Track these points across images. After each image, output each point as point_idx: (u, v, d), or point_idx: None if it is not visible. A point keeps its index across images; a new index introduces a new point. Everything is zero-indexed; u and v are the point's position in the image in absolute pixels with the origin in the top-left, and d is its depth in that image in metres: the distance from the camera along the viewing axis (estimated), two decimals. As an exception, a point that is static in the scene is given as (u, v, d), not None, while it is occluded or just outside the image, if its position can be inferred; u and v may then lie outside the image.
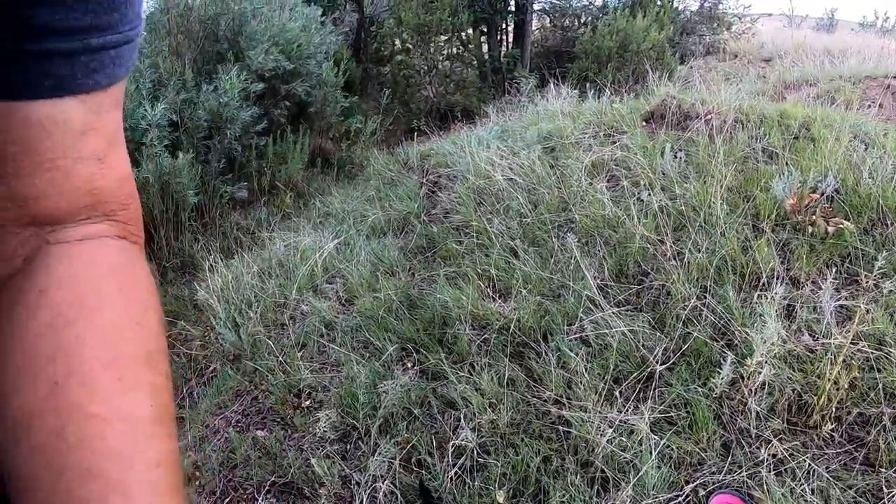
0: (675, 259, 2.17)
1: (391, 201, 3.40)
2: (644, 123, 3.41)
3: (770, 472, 1.49)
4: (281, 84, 4.57)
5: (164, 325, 0.51)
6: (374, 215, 3.27)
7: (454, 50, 7.41)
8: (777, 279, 1.99)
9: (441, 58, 7.05)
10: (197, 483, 1.79)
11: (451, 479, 1.64)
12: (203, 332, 2.59)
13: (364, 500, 1.66)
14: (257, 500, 1.71)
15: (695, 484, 1.50)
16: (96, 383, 0.43)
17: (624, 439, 1.62)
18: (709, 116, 3.18)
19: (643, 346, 1.86)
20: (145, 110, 3.36)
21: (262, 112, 4.27)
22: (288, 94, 4.68)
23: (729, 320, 1.89)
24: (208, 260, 2.96)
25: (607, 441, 1.61)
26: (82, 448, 0.41)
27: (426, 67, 6.62)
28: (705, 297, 1.99)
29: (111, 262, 0.49)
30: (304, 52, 4.70)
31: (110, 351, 0.45)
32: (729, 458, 1.54)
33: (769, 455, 1.53)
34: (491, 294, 2.27)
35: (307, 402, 2.02)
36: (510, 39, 7.99)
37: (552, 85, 4.83)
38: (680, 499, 1.48)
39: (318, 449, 1.82)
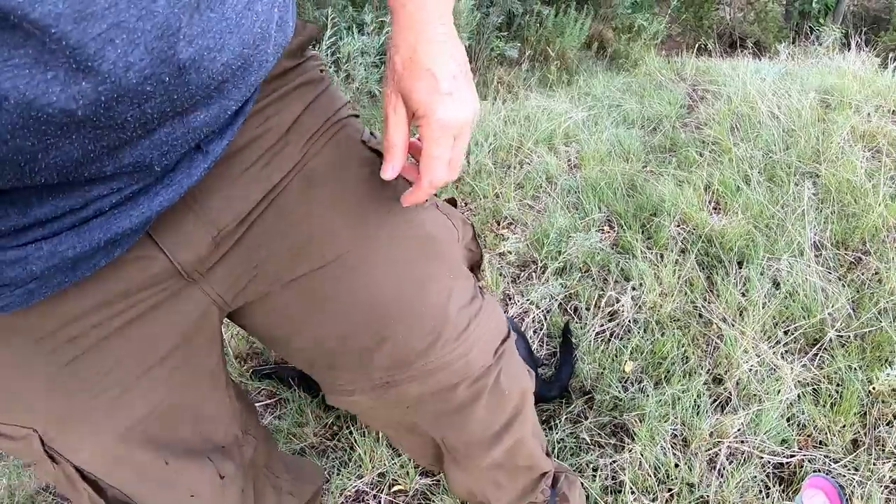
0: (904, 250, 2.08)
1: (652, 100, 3.42)
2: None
3: (883, 491, 1.43)
4: (576, -41, 4.56)
5: None
6: (631, 107, 3.33)
7: (766, -23, 6.87)
8: None
9: (751, -18, 6.59)
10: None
11: (595, 334, 1.79)
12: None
13: (514, 314, 1.88)
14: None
15: (804, 456, 1.50)
16: None
17: (764, 375, 1.66)
18: None
19: (829, 312, 1.86)
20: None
21: (552, -19, 4.33)
22: (581, -29, 4.68)
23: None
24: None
25: (748, 368, 1.66)
26: None
27: (732, -13, 6.23)
28: (914, 299, 1.92)
29: None
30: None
31: None
32: (851, 456, 1.50)
33: (891, 478, 1.46)
34: (708, 205, 2.32)
35: (505, 230, 2.25)
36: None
37: (854, 46, 4.43)
38: (784, 459, 1.50)
39: (497, 266, 2.06)
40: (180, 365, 0.72)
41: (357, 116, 0.82)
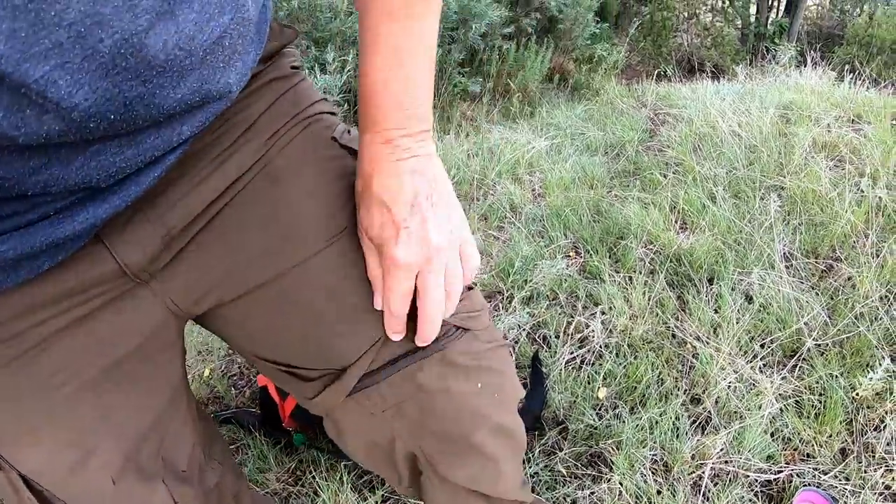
0: (873, 257, 2.05)
1: (614, 127, 3.42)
2: (894, 121, 3.13)
3: (877, 499, 1.39)
4: (537, -6, 4.63)
5: None
6: (593, 134, 3.32)
7: (719, 3, 7.01)
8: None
9: (704, 8, 6.71)
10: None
11: (565, 362, 1.73)
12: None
13: None
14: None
15: (792, 471, 1.45)
16: None
17: (743, 391, 1.61)
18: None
19: (805, 322, 1.81)
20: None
21: (511, 17, 4.37)
22: (541, 6, 4.74)
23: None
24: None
25: (727, 385, 1.60)
26: None
27: (686, 14, 6.35)
28: (889, 302, 1.88)
29: None
30: (569, -33, 4.71)
31: None
32: (840, 466, 1.44)
33: (884, 484, 1.41)
34: (674, 225, 2.29)
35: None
36: (782, 7, 7.39)
37: (810, 62, 4.50)
38: (770, 476, 1.44)
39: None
40: (135, 372, 0.68)
41: (333, 113, 0.77)
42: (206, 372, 1.86)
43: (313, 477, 1.47)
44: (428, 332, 0.70)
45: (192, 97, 0.53)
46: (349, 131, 0.77)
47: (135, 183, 0.56)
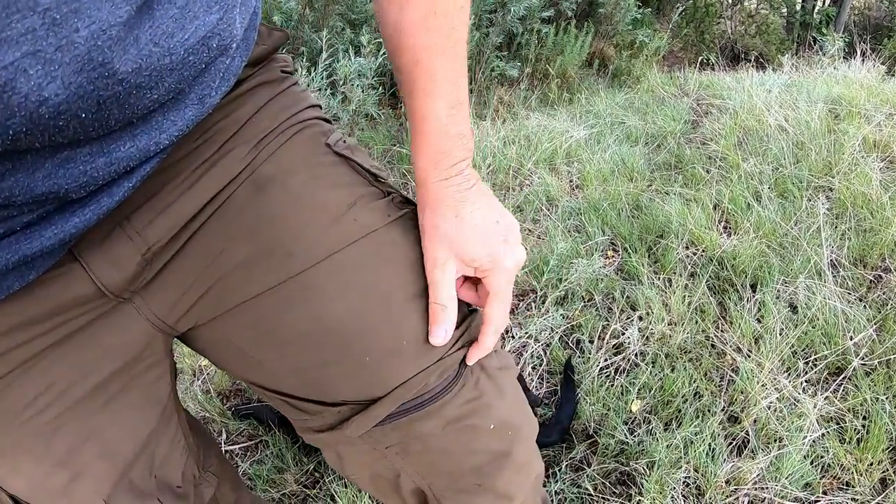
0: (928, 265, 1.91)
1: (655, 116, 3.26)
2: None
3: None
4: (577, -22, 4.45)
5: None
6: (634, 124, 3.17)
7: (764, -10, 6.72)
8: None
9: (750, -4, 6.44)
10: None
11: (599, 369, 1.62)
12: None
13: (511, 349, 1.71)
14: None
15: (828, 501, 1.32)
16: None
17: (784, 411, 1.49)
18: None
19: (852, 337, 1.67)
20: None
21: (550, 1, 4.20)
22: (582, -10, 4.55)
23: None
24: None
25: (767, 405, 1.48)
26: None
27: (731, 1, 6.08)
28: (946, 317, 1.74)
29: None
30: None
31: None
32: (880, 497, 1.32)
33: None
34: (717, 225, 2.15)
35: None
36: (830, -4, 7.06)
37: (859, 54, 4.26)
38: None
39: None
40: (123, 392, 0.65)
41: (328, 121, 0.71)
42: (230, 361, 1.79)
43: (331, 480, 1.39)
44: (489, 342, 0.69)
45: (169, 98, 0.49)
46: (344, 140, 0.70)
47: (107, 195, 0.51)
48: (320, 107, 0.72)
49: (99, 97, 0.42)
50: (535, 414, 1.40)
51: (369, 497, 1.33)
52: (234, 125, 0.62)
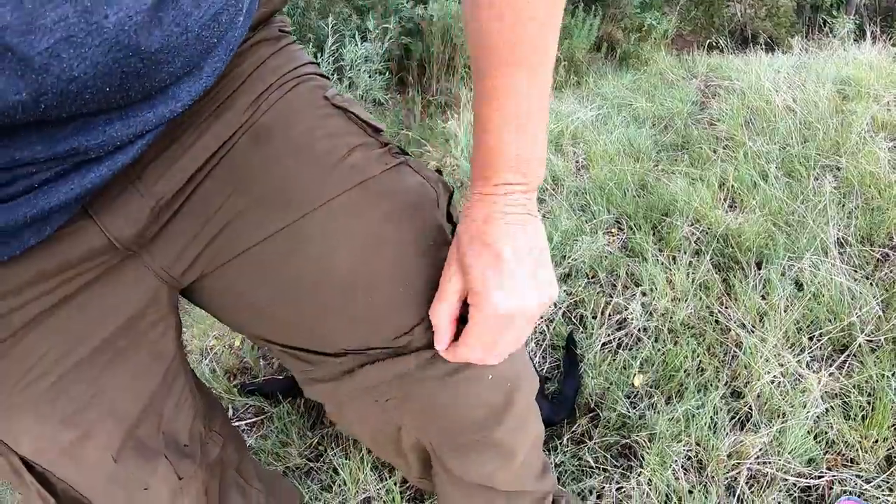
0: (937, 242, 1.87)
1: (663, 98, 3.22)
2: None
3: None
4: (586, -41, 4.40)
5: None
6: (641, 105, 3.13)
7: (776, -28, 6.61)
8: None
9: (761, -22, 6.34)
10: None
11: (601, 345, 1.61)
12: (441, 156, 2.72)
13: None
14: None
15: (832, 477, 1.31)
16: None
17: (788, 386, 1.46)
18: None
19: (857, 314, 1.64)
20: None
21: (561, -18, 4.16)
22: (593, -29, 4.50)
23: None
24: (466, 97, 3.04)
25: (770, 380, 1.46)
26: None
27: (743, -16, 6.00)
28: (954, 293, 1.70)
29: None
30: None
31: None
32: (885, 474, 1.29)
33: None
34: (723, 203, 2.12)
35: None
36: (842, -22, 6.94)
37: (869, 36, 4.19)
38: (810, 481, 1.30)
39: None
40: (129, 349, 0.66)
41: (326, 77, 0.72)
42: (237, 342, 1.79)
43: (334, 454, 1.39)
44: (461, 356, 0.65)
45: (184, 72, 0.52)
46: (341, 94, 0.71)
47: (122, 152, 0.54)
48: (317, 63, 0.73)
49: (122, 73, 0.45)
50: (541, 391, 1.38)
51: (371, 469, 1.33)
52: (235, 82, 0.64)
